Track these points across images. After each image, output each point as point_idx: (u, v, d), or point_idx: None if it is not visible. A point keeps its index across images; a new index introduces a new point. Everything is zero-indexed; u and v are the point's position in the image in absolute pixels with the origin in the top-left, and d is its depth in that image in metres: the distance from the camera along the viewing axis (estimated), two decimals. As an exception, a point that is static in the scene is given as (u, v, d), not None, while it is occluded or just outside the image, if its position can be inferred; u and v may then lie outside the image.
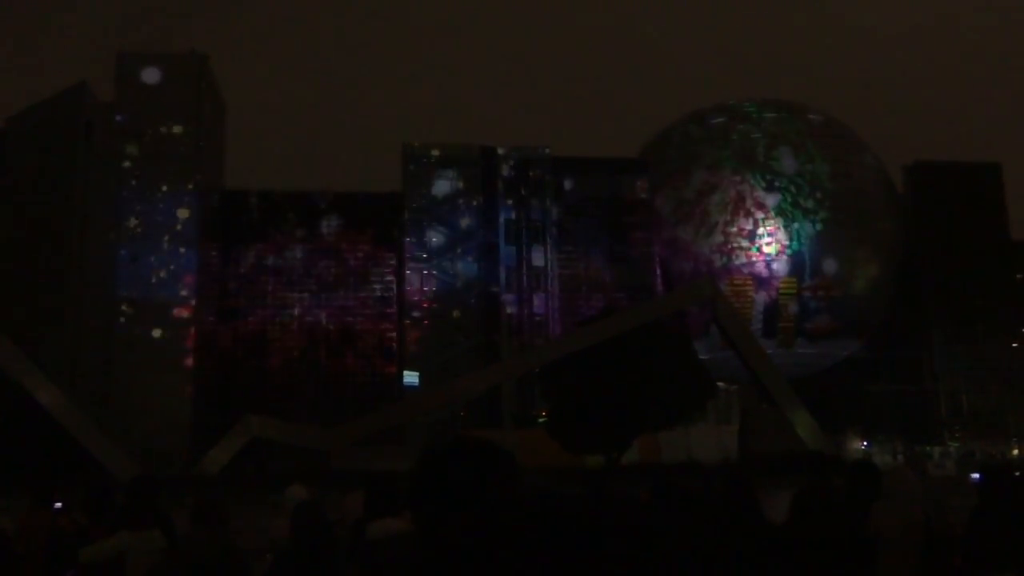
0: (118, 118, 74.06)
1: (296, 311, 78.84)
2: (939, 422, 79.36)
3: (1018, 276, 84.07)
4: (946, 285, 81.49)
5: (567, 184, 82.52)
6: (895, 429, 75.12)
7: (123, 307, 71.68)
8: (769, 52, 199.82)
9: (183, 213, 73.80)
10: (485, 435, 2.48)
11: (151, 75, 73.12)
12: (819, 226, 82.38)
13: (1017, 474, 8.00)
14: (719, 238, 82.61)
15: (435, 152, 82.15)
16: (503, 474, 2.24)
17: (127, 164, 73.32)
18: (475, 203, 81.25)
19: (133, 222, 73.09)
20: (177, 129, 73.89)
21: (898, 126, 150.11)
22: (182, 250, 73.53)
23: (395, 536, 5.66)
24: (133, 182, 73.26)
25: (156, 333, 71.16)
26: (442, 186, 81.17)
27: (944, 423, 79.37)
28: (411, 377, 75.36)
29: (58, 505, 10.20)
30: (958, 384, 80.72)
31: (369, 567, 5.82)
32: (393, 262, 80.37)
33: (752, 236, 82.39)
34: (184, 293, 73.08)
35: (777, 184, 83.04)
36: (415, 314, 78.19)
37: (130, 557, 7.28)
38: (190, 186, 73.90)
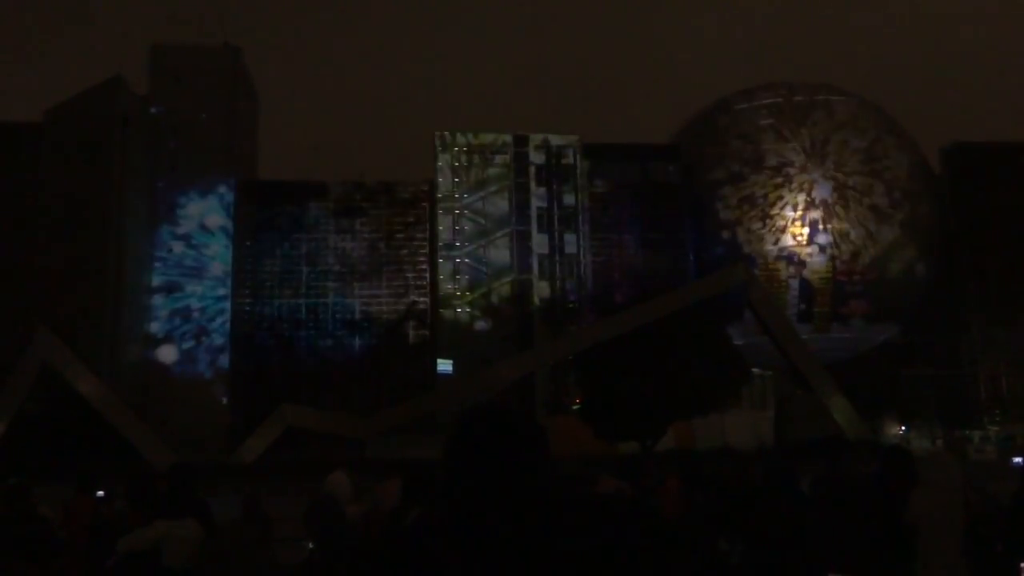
0: (153, 111, 74.93)
1: (330, 300, 79.35)
2: (978, 406, 78.36)
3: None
4: (984, 268, 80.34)
5: (598, 171, 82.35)
6: (933, 414, 74.27)
7: (159, 297, 72.63)
8: (800, 34, 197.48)
9: (218, 204, 74.56)
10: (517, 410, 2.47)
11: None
12: (856, 210, 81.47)
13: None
14: (754, 223, 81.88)
15: (466, 141, 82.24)
16: (533, 445, 2.23)
17: (163, 156, 74.13)
18: (507, 191, 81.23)
19: (168, 213, 74.01)
20: (211, 121, 74.57)
21: (934, 107, 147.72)
22: (217, 241, 74.31)
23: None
24: (169, 174, 74.10)
25: (192, 323, 71.96)
26: (473, 175, 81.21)
27: (983, 407, 78.36)
28: (444, 365, 75.62)
29: (100, 493, 10.38)
30: (997, 368, 79.62)
31: (386, 557, 5.86)
32: (425, 251, 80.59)
33: (787, 220, 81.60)
34: (219, 283, 73.88)
35: (810, 167, 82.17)
36: (447, 302, 78.40)
37: (166, 545, 7.38)
38: (225, 177, 74.67)
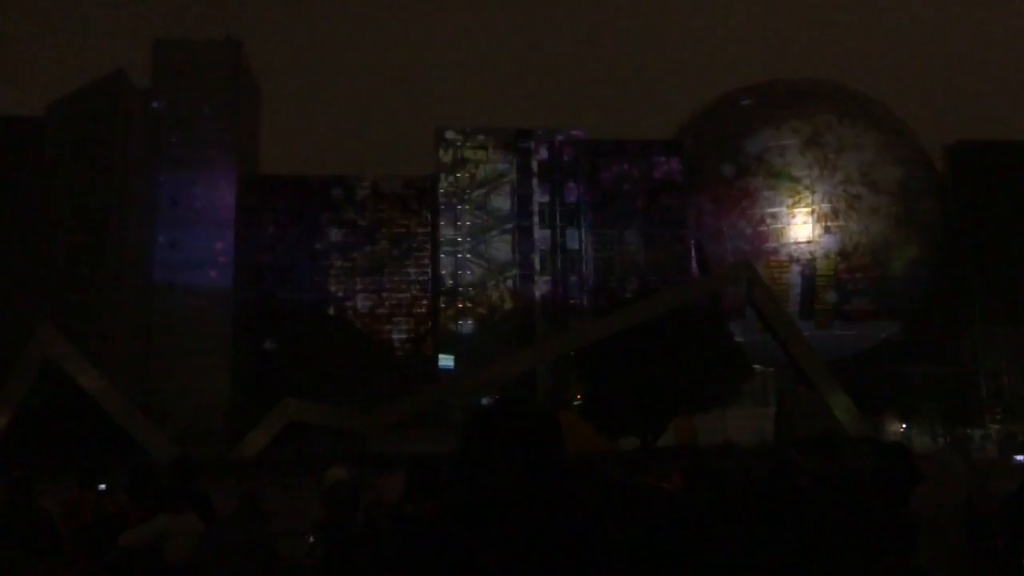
0: (155, 105, 74.88)
1: (332, 295, 79.38)
2: (980, 404, 78.32)
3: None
4: (986, 266, 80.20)
5: (601, 166, 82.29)
6: (935, 411, 74.22)
7: (161, 292, 72.63)
8: (804, 31, 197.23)
9: (220, 199, 74.54)
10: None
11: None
12: (858, 208, 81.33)
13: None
14: (756, 219, 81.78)
15: (468, 135, 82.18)
16: (548, 435, 2.26)
17: (164, 151, 74.11)
18: (509, 186, 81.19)
19: (171, 208, 74.00)
20: (213, 116, 74.51)
21: (938, 104, 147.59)
22: (219, 235, 74.29)
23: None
24: (170, 169, 74.08)
25: (194, 318, 71.95)
26: (476, 170, 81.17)
27: (985, 405, 78.31)
28: (446, 360, 75.65)
29: (102, 487, 10.38)
30: (999, 365, 79.54)
31: (405, 548, 5.88)
32: (427, 246, 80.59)
33: (789, 217, 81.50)
34: (221, 278, 73.86)
35: (814, 165, 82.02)
36: (449, 298, 78.40)
37: (167, 540, 7.38)
38: (226, 172, 74.63)
